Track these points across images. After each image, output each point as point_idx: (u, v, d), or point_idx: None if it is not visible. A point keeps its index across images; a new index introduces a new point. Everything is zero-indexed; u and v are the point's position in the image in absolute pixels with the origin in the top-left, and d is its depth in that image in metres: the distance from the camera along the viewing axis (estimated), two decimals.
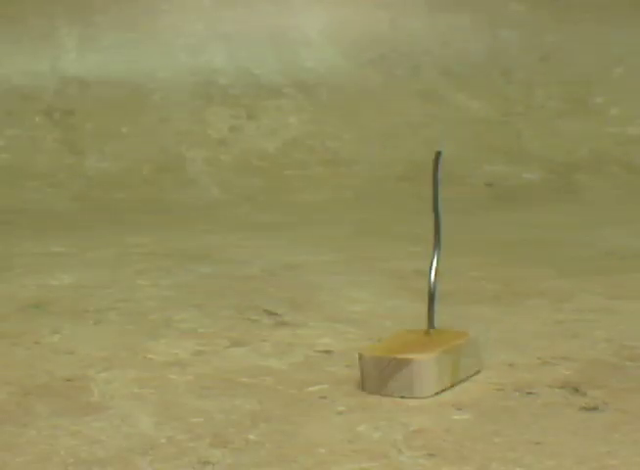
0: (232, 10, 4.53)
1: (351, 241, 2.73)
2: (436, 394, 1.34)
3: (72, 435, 1.23)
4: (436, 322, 1.78)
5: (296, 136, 4.01)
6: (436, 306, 1.92)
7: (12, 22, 4.40)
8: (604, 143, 4.03)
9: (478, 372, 1.43)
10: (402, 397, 1.33)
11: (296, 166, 3.83)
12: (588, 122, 4.16)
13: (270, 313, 1.87)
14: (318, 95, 4.22)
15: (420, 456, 1.13)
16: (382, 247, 2.63)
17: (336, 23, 4.53)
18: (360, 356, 1.36)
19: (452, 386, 1.37)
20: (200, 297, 2.03)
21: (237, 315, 1.86)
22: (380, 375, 1.35)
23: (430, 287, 1.41)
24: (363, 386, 1.37)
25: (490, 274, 2.22)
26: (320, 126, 4.06)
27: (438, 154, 1.40)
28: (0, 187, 3.64)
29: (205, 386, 1.42)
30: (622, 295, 1.98)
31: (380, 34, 4.49)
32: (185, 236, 2.85)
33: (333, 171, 3.81)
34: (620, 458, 1.12)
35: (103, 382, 1.45)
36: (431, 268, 1.41)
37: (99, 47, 4.35)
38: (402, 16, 4.57)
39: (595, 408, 1.29)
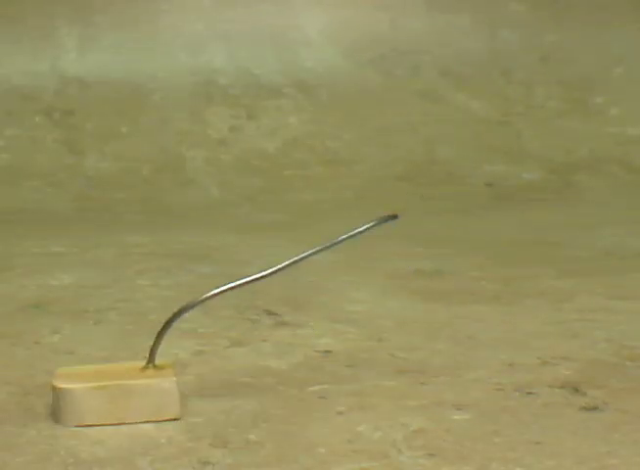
0: (232, 10, 4.53)
1: (351, 241, 2.73)
2: (80, 426, 1.27)
3: (72, 435, 1.23)
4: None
5: (296, 136, 4.01)
6: (435, 305, 1.92)
7: (12, 22, 4.40)
8: (604, 143, 4.03)
9: (172, 420, 1.29)
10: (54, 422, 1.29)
11: (296, 166, 3.83)
12: (588, 122, 4.16)
13: (270, 313, 1.87)
14: (318, 95, 4.22)
15: (420, 456, 1.13)
16: (382, 247, 2.63)
17: (336, 23, 4.53)
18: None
19: (118, 424, 1.28)
20: (200, 297, 2.02)
21: (237, 315, 1.86)
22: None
23: (170, 318, 1.34)
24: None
25: (490, 274, 2.22)
26: (320, 126, 4.06)
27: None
28: (0, 187, 3.64)
29: (205, 386, 1.42)
30: (622, 295, 1.98)
31: (380, 34, 4.49)
32: (185, 236, 2.85)
33: (333, 171, 3.80)
34: (621, 458, 1.12)
35: None
36: (197, 301, 1.35)
37: (99, 47, 4.35)
38: (402, 16, 4.57)
39: (595, 408, 1.29)
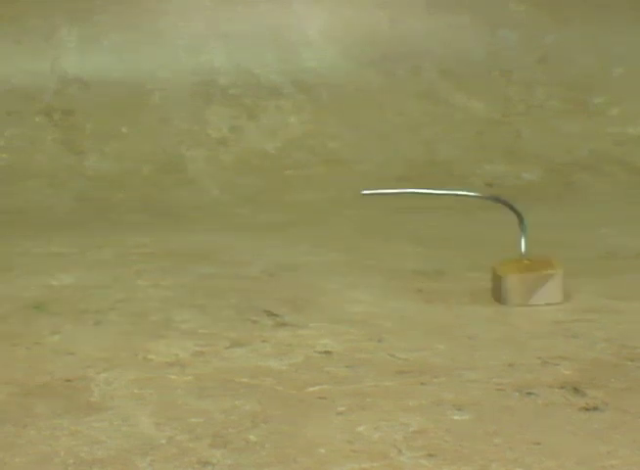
0: (232, 10, 4.54)
1: (351, 241, 2.73)
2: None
3: (72, 435, 1.23)
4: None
5: (296, 136, 4.01)
6: (435, 305, 1.92)
7: (12, 22, 4.40)
8: (604, 143, 4.03)
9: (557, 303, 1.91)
10: (548, 304, 1.84)
11: (296, 166, 3.83)
12: (588, 122, 4.16)
13: (270, 314, 1.87)
14: (318, 95, 4.22)
15: (420, 457, 1.13)
16: (382, 247, 2.63)
17: (336, 23, 4.53)
18: (502, 276, 1.84)
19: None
20: (200, 297, 2.03)
21: (237, 316, 1.86)
22: (526, 289, 1.84)
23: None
24: (505, 300, 1.88)
25: (490, 274, 2.22)
26: (320, 126, 4.06)
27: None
28: (0, 187, 3.64)
29: (205, 386, 1.42)
30: (622, 295, 1.98)
31: (380, 34, 4.49)
32: (185, 236, 2.85)
33: (333, 171, 3.81)
34: (621, 458, 1.12)
35: (103, 382, 1.45)
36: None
37: (99, 47, 4.35)
38: (402, 16, 4.57)
39: (595, 408, 1.29)
